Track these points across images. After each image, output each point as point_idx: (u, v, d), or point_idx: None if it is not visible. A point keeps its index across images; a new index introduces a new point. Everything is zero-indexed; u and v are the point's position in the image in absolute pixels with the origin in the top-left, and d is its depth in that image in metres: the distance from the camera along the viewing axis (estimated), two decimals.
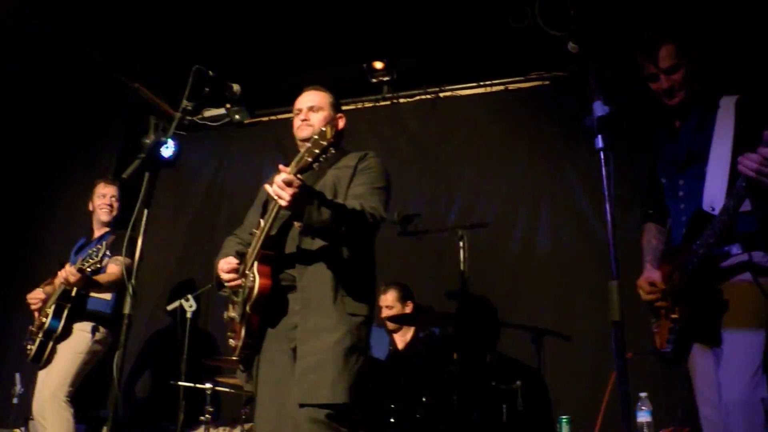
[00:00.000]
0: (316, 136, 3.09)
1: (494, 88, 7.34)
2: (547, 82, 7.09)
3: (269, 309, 3.50)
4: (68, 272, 5.26)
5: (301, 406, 3.28)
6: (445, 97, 7.49)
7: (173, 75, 3.72)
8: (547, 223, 6.75)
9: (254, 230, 3.59)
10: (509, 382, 5.65)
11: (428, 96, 7.52)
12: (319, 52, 6.93)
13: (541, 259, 6.69)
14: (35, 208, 8.11)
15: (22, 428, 5.90)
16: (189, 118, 7.56)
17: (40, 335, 5.52)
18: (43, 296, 5.76)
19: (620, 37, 5.99)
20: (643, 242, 3.82)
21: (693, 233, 3.35)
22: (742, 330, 3.22)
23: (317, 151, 3.08)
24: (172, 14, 6.54)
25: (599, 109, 2.61)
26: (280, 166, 3.20)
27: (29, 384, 5.90)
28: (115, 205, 5.96)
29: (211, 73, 3.44)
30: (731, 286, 3.29)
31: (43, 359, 5.50)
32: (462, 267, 5.83)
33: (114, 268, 5.57)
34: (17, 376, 6.33)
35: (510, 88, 7.28)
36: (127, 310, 2.94)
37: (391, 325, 6.29)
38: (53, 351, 5.50)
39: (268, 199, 3.54)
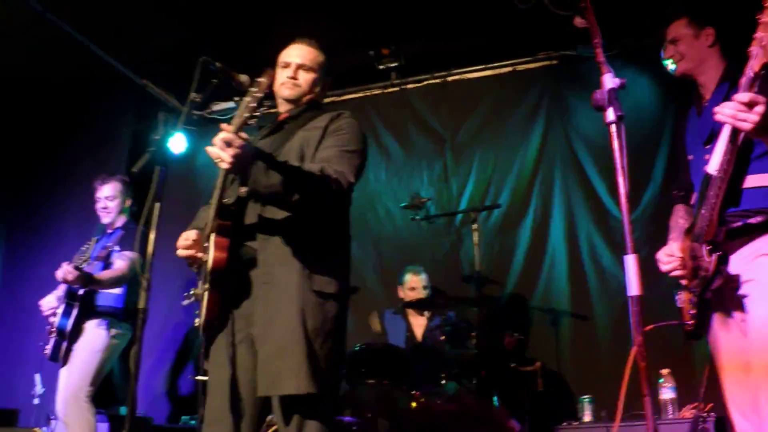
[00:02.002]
0: (253, 89, 2.84)
1: (503, 70, 7.29)
2: (555, 62, 7.04)
3: (228, 286, 3.14)
4: (65, 271, 5.24)
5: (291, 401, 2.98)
6: (454, 80, 7.45)
7: (182, 70, 3.68)
8: (560, 201, 6.72)
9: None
10: (528, 364, 5.65)
11: (437, 80, 7.48)
12: (325, 40, 6.89)
13: (555, 238, 6.66)
14: (47, 208, 8.13)
15: (44, 428, 5.92)
16: (198, 112, 7.56)
17: (54, 334, 5.53)
18: (55, 303, 5.74)
19: (627, 17, 5.99)
20: (671, 222, 3.78)
21: (702, 199, 3.33)
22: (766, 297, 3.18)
23: (253, 104, 2.83)
24: (178, 6, 6.55)
25: (609, 81, 2.58)
26: (222, 125, 2.89)
27: (50, 384, 5.91)
28: (111, 205, 5.85)
29: (218, 64, 3.38)
30: (749, 255, 3.26)
31: (60, 357, 5.50)
32: (476, 250, 5.82)
33: (119, 263, 5.53)
34: (37, 376, 6.34)
35: (518, 69, 7.24)
36: (142, 304, 2.92)
37: (412, 311, 6.30)
38: (69, 350, 5.49)
39: None
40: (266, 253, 3.14)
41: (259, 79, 2.84)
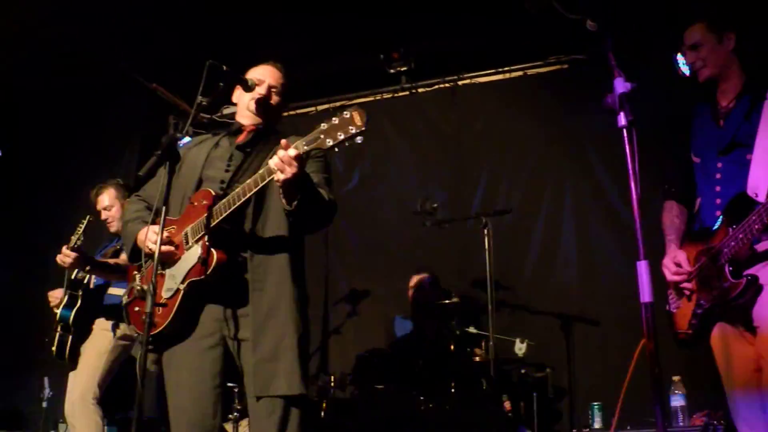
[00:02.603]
0: (335, 121, 2.82)
1: (513, 74, 7.27)
2: (565, 66, 7.01)
3: (212, 287, 3.22)
4: (63, 255, 5.18)
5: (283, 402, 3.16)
6: (464, 84, 7.43)
7: (192, 73, 3.68)
8: (571, 207, 6.71)
9: (200, 199, 3.28)
10: (539, 370, 5.61)
11: (447, 84, 7.46)
12: (335, 44, 6.90)
13: (566, 243, 6.64)
14: (59, 213, 8.13)
15: None
16: (208, 116, 7.56)
17: (58, 329, 5.48)
18: (61, 294, 5.69)
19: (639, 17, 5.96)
20: (665, 220, 3.75)
21: (731, 217, 3.30)
22: None
23: (342, 136, 2.80)
24: (186, 8, 6.58)
25: (620, 85, 2.56)
26: (283, 141, 2.98)
27: (59, 388, 5.90)
28: (111, 213, 5.85)
29: (225, 67, 3.39)
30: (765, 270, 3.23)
31: (66, 354, 5.46)
32: (487, 255, 5.78)
33: (124, 256, 5.51)
34: (46, 380, 6.34)
35: (529, 73, 7.21)
36: (148, 308, 2.91)
37: (421, 316, 6.28)
38: (75, 349, 5.46)
39: (205, 166, 3.40)
40: (255, 261, 3.27)
41: (348, 114, 2.83)
